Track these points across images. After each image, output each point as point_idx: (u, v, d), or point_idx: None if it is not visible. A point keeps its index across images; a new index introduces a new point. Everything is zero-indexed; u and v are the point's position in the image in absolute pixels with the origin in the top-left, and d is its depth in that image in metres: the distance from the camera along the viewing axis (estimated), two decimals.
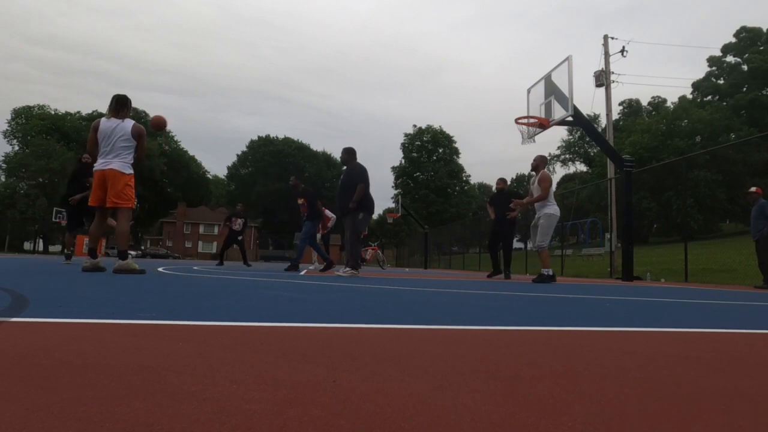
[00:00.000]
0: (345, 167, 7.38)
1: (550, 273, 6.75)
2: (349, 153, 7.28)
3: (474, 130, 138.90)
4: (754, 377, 1.05)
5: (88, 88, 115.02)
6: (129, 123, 4.84)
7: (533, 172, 7.32)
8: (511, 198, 8.35)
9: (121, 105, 4.91)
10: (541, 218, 6.86)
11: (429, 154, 57.93)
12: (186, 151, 67.06)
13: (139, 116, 57.14)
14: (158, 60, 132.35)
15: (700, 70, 77.34)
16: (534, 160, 7.24)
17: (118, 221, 4.82)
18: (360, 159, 7.29)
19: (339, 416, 0.66)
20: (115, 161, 4.74)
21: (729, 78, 44.88)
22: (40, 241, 48.07)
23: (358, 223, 6.97)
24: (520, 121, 10.11)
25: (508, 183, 9.40)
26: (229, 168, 72.05)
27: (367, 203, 7.04)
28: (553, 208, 6.86)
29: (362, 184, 6.92)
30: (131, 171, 4.83)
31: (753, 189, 8.53)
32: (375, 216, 7.20)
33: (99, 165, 4.79)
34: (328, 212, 10.86)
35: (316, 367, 0.96)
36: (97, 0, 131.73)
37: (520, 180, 72.69)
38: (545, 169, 7.19)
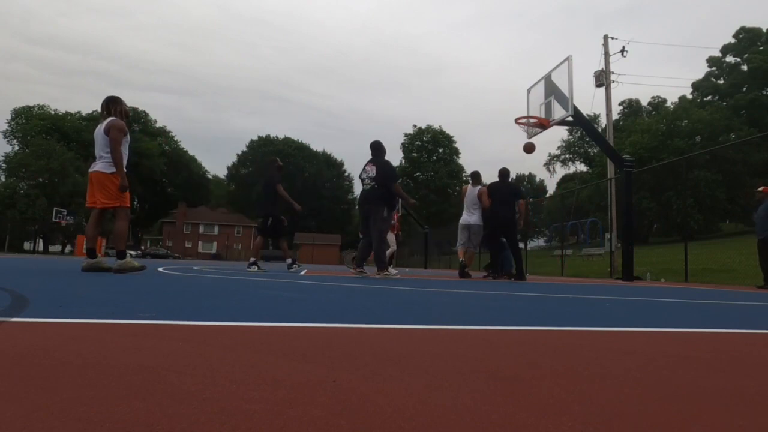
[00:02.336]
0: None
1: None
2: (372, 147, 7.01)
3: (474, 130, 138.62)
4: (754, 377, 1.05)
5: (88, 88, 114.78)
6: (105, 123, 4.84)
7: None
8: (513, 191, 8.21)
9: (102, 108, 4.97)
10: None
11: (429, 154, 58.03)
12: (186, 151, 67.09)
13: (139, 116, 57.03)
14: (158, 60, 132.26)
15: (700, 70, 77.22)
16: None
17: (116, 221, 4.84)
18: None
19: (339, 416, 0.66)
20: (99, 163, 4.80)
21: (729, 78, 44.94)
22: (40, 241, 48.00)
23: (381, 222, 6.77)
24: (520, 121, 10.11)
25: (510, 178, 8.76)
26: (229, 168, 72.17)
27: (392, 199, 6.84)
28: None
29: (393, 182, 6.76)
30: (114, 169, 4.75)
31: (760, 189, 8.64)
32: None
33: (90, 168, 4.89)
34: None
35: (316, 367, 0.96)
36: (97, 0, 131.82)
37: (520, 180, 72.77)
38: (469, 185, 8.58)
